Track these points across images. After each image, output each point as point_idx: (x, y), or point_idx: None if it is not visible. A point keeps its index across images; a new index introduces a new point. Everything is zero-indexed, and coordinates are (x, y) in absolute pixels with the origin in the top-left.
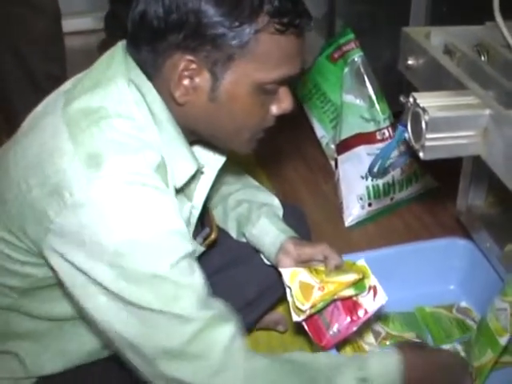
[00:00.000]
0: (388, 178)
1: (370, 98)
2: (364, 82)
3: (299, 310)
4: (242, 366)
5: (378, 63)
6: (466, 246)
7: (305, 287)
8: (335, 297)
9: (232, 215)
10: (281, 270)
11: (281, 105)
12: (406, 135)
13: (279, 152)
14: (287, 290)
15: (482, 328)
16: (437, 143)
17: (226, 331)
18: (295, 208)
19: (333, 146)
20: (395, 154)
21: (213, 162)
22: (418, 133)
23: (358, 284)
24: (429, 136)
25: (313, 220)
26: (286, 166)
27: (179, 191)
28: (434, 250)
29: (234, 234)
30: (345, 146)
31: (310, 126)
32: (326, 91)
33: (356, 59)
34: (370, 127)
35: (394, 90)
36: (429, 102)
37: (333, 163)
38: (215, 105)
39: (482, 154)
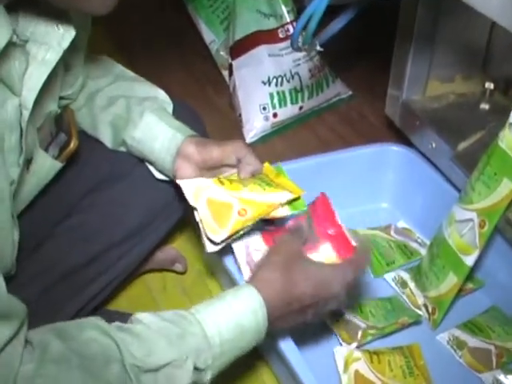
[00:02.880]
0: (295, 84)
1: None
2: None
3: (211, 241)
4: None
5: None
6: (401, 153)
7: (217, 208)
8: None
9: (103, 117)
10: (179, 182)
11: None
12: None
13: (160, 65)
14: (194, 212)
15: (439, 248)
16: None
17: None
18: (185, 105)
19: (223, 53)
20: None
21: (55, 40)
22: None
23: (295, 203)
24: None
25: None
26: (169, 80)
27: None
28: (360, 161)
29: (108, 142)
30: (240, 47)
31: (197, 31)
32: None
33: None
34: (271, 23)
35: None
36: None
37: (225, 73)
38: None
39: None
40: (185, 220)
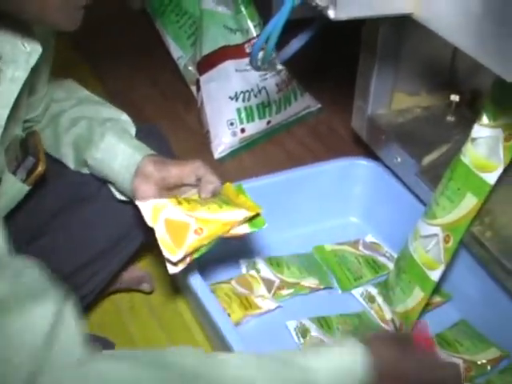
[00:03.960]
0: (262, 98)
1: (234, 2)
2: None
3: (170, 261)
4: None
5: None
6: (368, 167)
7: (174, 227)
8: (222, 236)
9: (66, 139)
10: (137, 203)
11: None
12: None
13: (129, 81)
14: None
15: (405, 263)
16: None
17: (43, 313)
18: (151, 127)
19: (191, 68)
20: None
21: (23, 57)
22: None
23: (255, 221)
24: None
25: (176, 155)
26: (138, 96)
27: None
28: (328, 175)
29: (70, 163)
30: (208, 62)
31: (164, 46)
32: (181, 1)
33: None
34: (237, 38)
35: None
36: None
37: (193, 88)
38: None
39: (414, 11)
40: (151, 239)
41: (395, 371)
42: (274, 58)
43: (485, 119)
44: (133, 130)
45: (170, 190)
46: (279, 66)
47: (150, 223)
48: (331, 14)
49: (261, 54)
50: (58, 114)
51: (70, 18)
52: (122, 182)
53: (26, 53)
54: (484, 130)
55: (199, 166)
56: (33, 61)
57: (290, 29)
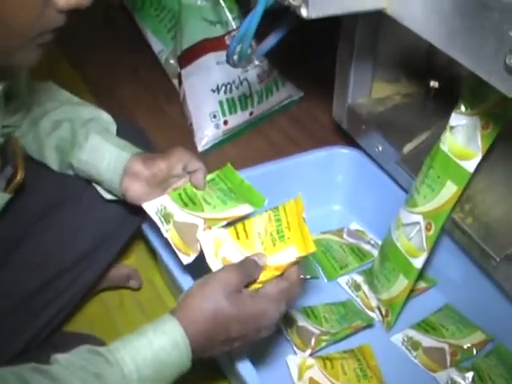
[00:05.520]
0: (244, 90)
1: None
2: None
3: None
4: None
5: None
6: (350, 155)
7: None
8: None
9: (49, 142)
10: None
11: None
12: None
13: (110, 76)
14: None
15: (388, 251)
16: None
17: None
18: (130, 124)
19: (172, 62)
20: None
21: None
22: None
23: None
24: None
25: (160, 149)
26: (121, 91)
27: None
28: (310, 165)
29: (55, 166)
30: (188, 56)
31: (145, 41)
32: None
33: None
34: (217, 31)
35: None
36: None
37: (175, 81)
38: None
39: (387, 6)
40: (139, 236)
41: (212, 333)
42: (251, 54)
43: (462, 107)
44: (114, 129)
45: (159, 184)
46: (256, 62)
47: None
48: (304, 12)
49: (236, 52)
50: (39, 117)
51: (31, 54)
52: (110, 182)
53: None
54: (461, 118)
55: (183, 153)
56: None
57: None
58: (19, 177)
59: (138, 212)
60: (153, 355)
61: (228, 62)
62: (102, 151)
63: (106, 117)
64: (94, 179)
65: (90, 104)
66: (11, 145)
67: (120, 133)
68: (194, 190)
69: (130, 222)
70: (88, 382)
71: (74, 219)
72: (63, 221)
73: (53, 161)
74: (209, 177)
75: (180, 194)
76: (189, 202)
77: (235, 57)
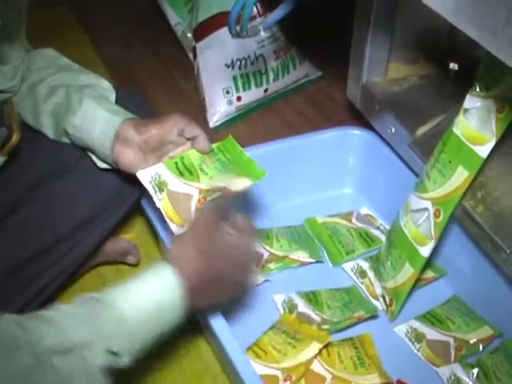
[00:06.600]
0: (259, 66)
1: None
2: None
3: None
4: None
5: None
6: (363, 137)
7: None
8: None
9: (45, 108)
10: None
11: None
12: None
13: (126, 49)
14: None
15: (396, 237)
16: None
17: None
18: (134, 95)
19: (189, 35)
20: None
21: None
22: None
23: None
24: None
25: None
26: (135, 64)
27: None
28: (322, 145)
29: (50, 133)
30: (204, 29)
31: (162, 13)
32: None
33: None
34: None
35: None
36: None
37: (191, 55)
38: None
39: None
40: (139, 211)
41: (204, 271)
42: (257, 25)
43: (477, 88)
44: (112, 96)
45: (153, 151)
46: (263, 33)
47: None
48: None
49: (238, 21)
50: (36, 82)
51: None
52: (102, 148)
53: None
54: (476, 101)
55: (178, 118)
56: None
57: None
58: (14, 138)
59: (136, 183)
60: (149, 297)
61: (230, 31)
62: (94, 116)
63: (105, 84)
64: (88, 146)
65: (90, 72)
66: (7, 109)
67: (122, 103)
68: (192, 159)
69: (128, 194)
70: (83, 325)
71: (70, 188)
72: (59, 190)
73: (49, 127)
74: None
75: (176, 163)
76: (185, 172)
77: (237, 27)
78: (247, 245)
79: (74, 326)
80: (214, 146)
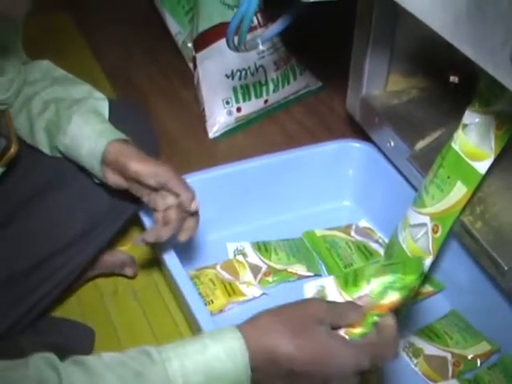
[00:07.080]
0: (259, 77)
1: None
2: None
3: None
4: None
5: None
6: (362, 150)
7: None
8: None
9: (39, 124)
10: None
11: None
12: None
13: (127, 57)
14: None
15: (394, 252)
16: None
17: None
18: (129, 104)
19: (190, 45)
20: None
21: None
22: None
23: None
24: None
25: (170, 134)
26: (135, 73)
27: None
28: (321, 158)
29: (45, 149)
30: (204, 40)
31: (163, 23)
32: None
33: None
34: None
35: None
36: None
37: (191, 65)
38: None
39: None
40: (136, 223)
41: (277, 356)
42: (255, 38)
43: (476, 104)
44: (105, 109)
45: (132, 181)
46: (261, 47)
47: None
48: None
49: (236, 35)
50: (31, 96)
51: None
52: (91, 167)
53: None
54: (475, 117)
55: (164, 171)
56: None
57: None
58: (13, 150)
59: (133, 197)
60: (204, 362)
61: (228, 44)
62: (82, 136)
63: (97, 95)
64: (80, 164)
65: (84, 82)
66: (5, 120)
67: (115, 113)
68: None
69: (125, 206)
70: (124, 379)
71: (66, 202)
72: (57, 202)
73: (43, 144)
74: None
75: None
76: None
77: (235, 39)
78: (350, 359)
79: (113, 379)
80: None
